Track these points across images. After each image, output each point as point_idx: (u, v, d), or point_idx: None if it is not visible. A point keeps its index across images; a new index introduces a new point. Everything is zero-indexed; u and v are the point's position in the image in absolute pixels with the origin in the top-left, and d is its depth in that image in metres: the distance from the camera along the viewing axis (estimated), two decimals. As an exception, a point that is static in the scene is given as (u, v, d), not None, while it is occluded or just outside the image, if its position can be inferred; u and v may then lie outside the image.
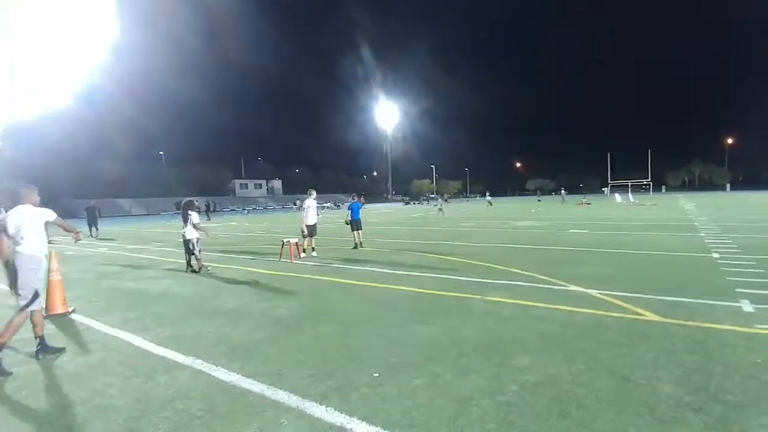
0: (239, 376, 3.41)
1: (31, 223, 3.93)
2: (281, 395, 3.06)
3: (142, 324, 4.98)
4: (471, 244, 11.74)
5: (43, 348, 4.08)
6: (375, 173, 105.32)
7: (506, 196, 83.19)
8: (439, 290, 6.12)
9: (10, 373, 3.67)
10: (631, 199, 38.10)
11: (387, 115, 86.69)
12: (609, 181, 79.65)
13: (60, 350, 4.17)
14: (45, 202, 4.27)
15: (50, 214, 4.07)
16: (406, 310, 5.25)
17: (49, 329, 4.95)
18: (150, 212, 52.47)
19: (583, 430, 2.51)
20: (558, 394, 2.95)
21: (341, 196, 79.43)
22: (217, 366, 3.63)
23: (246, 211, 50.39)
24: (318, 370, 3.49)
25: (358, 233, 11.36)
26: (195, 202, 8.95)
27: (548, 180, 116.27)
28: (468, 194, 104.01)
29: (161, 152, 69.08)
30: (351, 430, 2.60)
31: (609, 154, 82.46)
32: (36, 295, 3.94)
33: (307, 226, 10.13)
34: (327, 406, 2.87)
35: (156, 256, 11.67)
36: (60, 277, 5.64)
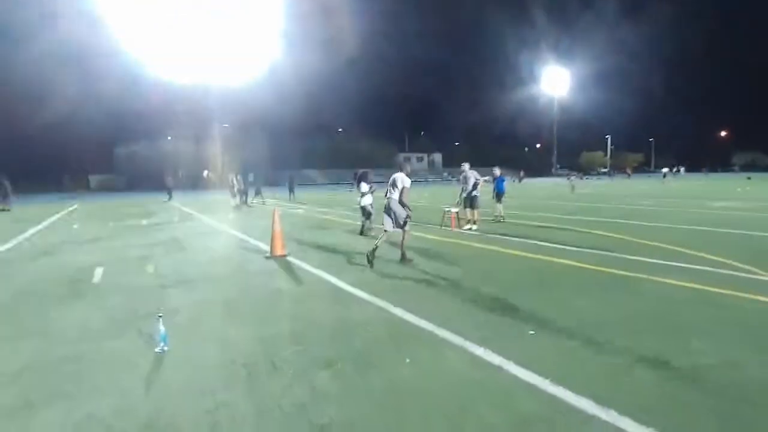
0: (414, 316, 4.13)
1: (401, 183, 6.44)
2: (447, 335, 3.64)
3: (335, 269, 6.22)
4: (649, 223, 10.46)
5: (403, 260, 6.61)
6: (538, 145, 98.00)
7: (703, 172, 67.73)
8: (602, 266, 5.90)
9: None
10: None
11: (556, 80, 79.19)
12: None
13: (410, 261, 6.58)
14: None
15: (408, 183, 6.48)
16: (565, 280, 5.30)
17: (272, 265, 6.64)
18: (331, 181, 60.22)
19: (759, 413, 2.42)
20: (738, 379, 2.80)
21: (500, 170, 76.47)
22: (395, 306, 4.44)
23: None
24: (478, 321, 3.97)
25: (500, 207, 11.55)
26: (369, 174, 10.09)
27: (763, 154, 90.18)
28: (653, 168, 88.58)
29: (340, 129, 77.67)
30: (507, 370, 3.02)
31: None
32: (406, 222, 6.50)
33: (464, 198, 10.46)
34: (486, 349, 3.34)
35: (338, 218, 13.76)
36: (279, 229, 7.37)
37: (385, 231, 6.60)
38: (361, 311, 4.36)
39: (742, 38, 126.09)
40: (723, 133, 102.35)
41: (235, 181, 19.46)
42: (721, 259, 6.12)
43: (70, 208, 21.27)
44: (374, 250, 6.46)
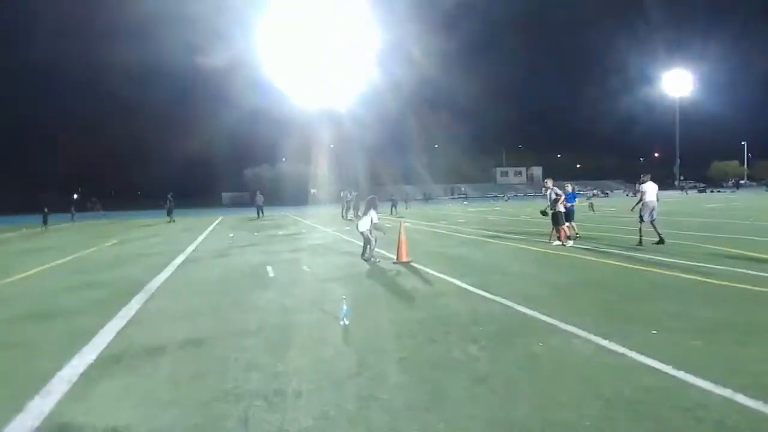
0: (536, 312, 4.81)
1: (653, 190, 9.55)
2: (571, 328, 4.26)
3: (456, 273, 7.08)
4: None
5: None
6: (656, 154, 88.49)
7: None
8: (725, 281, 5.90)
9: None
10: None
11: (677, 81, 71.39)
12: None
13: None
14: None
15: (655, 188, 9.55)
16: (686, 293, 5.49)
17: (401, 269, 7.74)
18: (430, 197, 61.61)
19: None
20: None
21: (610, 183, 71.37)
22: (517, 304, 5.15)
23: (506, 197, 52.49)
24: (600, 320, 4.48)
25: (570, 225, 10.63)
26: (376, 200, 9.03)
27: None
28: None
29: (437, 145, 79.23)
30: (629, 356, 3.58)
31: None
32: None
33: (554, 212, 10.22)
34: (609, 341, 3.90)
35: (446, 231, 14.66)
36: (405, 238, 8.51)
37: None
38: (490, 308, 5.15)
39: None
40: None
41: (349, 197, 21.64)
42: None
43: (218, 220, 25.38)
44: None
